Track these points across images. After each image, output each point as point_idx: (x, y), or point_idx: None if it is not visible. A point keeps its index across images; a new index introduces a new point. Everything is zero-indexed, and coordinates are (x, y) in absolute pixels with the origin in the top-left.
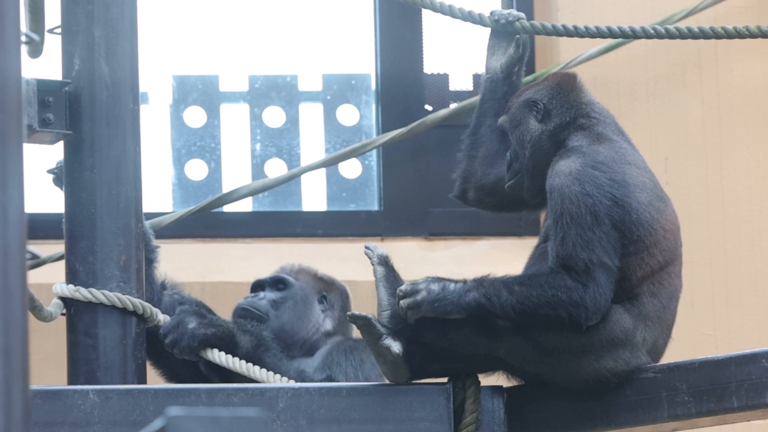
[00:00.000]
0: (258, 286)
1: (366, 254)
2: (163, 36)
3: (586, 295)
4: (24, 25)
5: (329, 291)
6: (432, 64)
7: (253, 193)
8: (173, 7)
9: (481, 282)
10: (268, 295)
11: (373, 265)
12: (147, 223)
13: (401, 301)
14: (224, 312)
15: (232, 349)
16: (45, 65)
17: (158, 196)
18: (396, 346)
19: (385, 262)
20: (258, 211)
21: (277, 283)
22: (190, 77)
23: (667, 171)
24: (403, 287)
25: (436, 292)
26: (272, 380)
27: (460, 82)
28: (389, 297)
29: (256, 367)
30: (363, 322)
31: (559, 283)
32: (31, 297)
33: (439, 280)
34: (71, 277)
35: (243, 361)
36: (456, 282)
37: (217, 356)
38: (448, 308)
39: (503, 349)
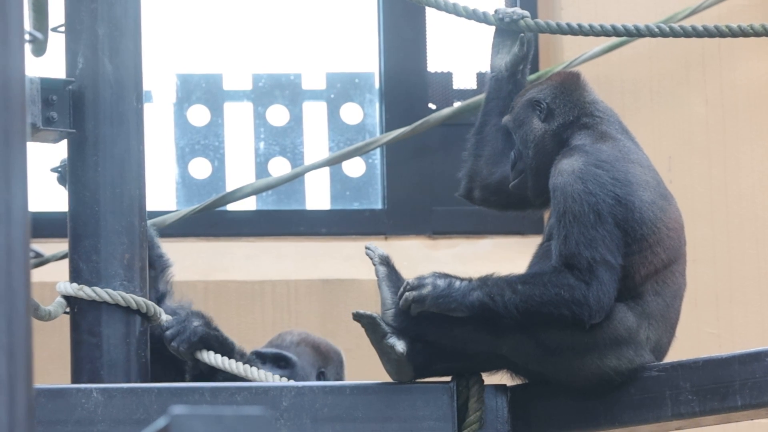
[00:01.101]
0: (257, 358)
1: (367, 254)
2: (167, 34)
3: (589, 294)
4: (28, 24)
5: (326, 365)
6: (436, 62)
7: (256, 191)
8: (177, 5)
9: (485, 281)
10: None
11: (374, 265)
12: (151, 225)
13: (406, 293)
14: (227, 310)
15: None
16: (49, 64)
17: (162, 194)
18: (400, 345)
19: (386, 261)
20: (261, 209)
21: (278, 359)
22: (193, 76)
23: (671, 169)
24: (410, 280)
25: (441, 287)
26: (270, 381)
27: (464, 80)
28: (392, 296)
29: (254, 369)
30: (367, 321)
31: (562, 282)
32: None
33: (446, 276)
34: (75, 276)
35: (240, 363)
36: (462, 280)
37: (213, 358)
38: (451, 305)
39: (507, 347)
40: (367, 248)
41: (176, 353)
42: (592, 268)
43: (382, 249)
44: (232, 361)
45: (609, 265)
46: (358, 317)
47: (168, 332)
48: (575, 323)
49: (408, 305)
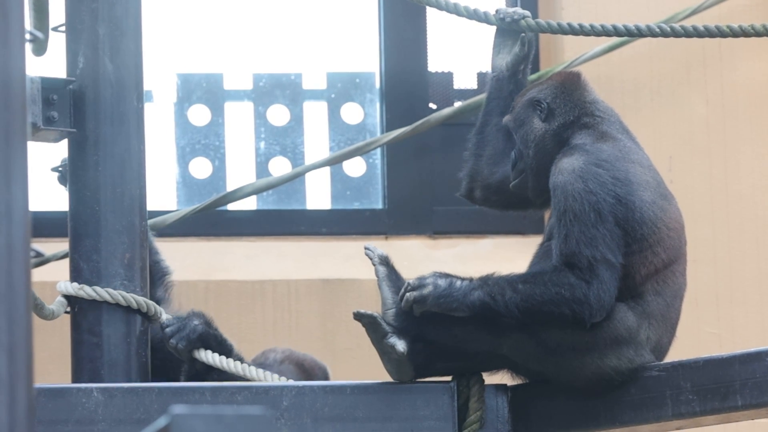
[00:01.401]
0: None
1: (366, 255)
2: (168, 34)
3: (590, 293)
4: (28, 23)
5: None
6: (436, 62)
7: (257, 191)
8: (178, 5)
9: (486, 281)
10: None
11: (374, 265)
12: (150, 229)
13: (407, 293)
14: (228, 310)
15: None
16: (49, 63)
17: (162, 194)
18: (401, 345)
19: (385, 261)
20: (262, 209)
21: None
22: (194, 75)
23: (672, 169)
24: (411, 280)
25: (442, 287)
26: (269, 380)
27: (465, 80)
28: (393, 295)
29: (252, 368)
30: (368, 321)
31: (563, 281)
32: (33, 295)
33: (447, 276)
34: (75, 275)
35: (238, 362)
36: (463, 279)
37: (211, 357)
38: (453, 305)
39: (507, 346)
40: (366, 248)
41: (174, 351)
42: (592, 266)
43: (381, 249)
44: (230, 360)
45: (609, 264)
46: (358, 317)
47: (167, 329)
48: (576, 322)
49: (409, 305)
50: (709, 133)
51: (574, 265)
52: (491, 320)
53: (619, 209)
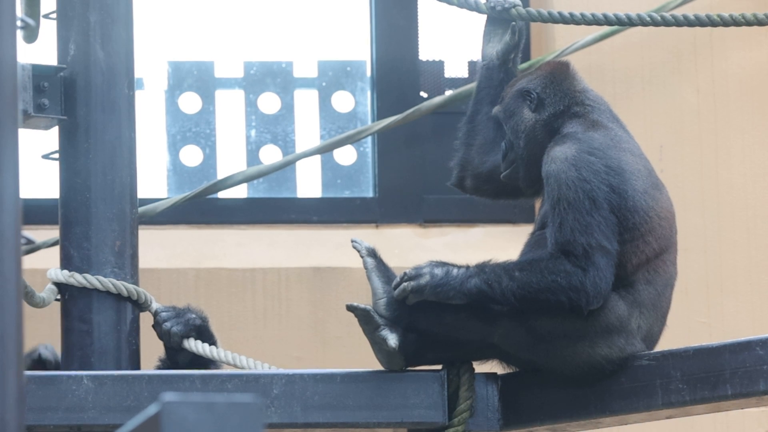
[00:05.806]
0: None
1: (354, 247)
2: (159, 22)
3: (587, 280)
4: (19, 10)
5: None
6: (427, 50)
7: (247, 179)
8: None
9: (482, 268)
10: None
11: (362, 257)
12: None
13: (404, 284)
14: (218, 298)
15: None
16: (40, 50)
17: (153, 181)
18: (392, 339)
19: (373, 253)
20: (253, 197)
21: None
22: (185, 63)
23: (662, 158)
24: (407, 271)
25: (439, 276)
26: (259, 369)
27: (456, 69)
28: (384, 285)
29: (243, 357)
30: (361, 313)
31: (559, 269)
32: (23, 283)
33: (443, 264)
34: (66, 263)
35: (228, 352)
36: (459, 267)
37: (201, 347)
38: (450, 294)
39: (498, 334)
40: (353, 241)
41: (167, 336)
42: (588, 254)
43: (368, 242)
44: (221, 350)
45: (605, 251)
46: (352, 309)
47: (162, 314)
48: (572, 310)
49: (406, 296)
50: (700, 122)
51: (569, 253)
52: (483, 309)
53: (613, 197)
